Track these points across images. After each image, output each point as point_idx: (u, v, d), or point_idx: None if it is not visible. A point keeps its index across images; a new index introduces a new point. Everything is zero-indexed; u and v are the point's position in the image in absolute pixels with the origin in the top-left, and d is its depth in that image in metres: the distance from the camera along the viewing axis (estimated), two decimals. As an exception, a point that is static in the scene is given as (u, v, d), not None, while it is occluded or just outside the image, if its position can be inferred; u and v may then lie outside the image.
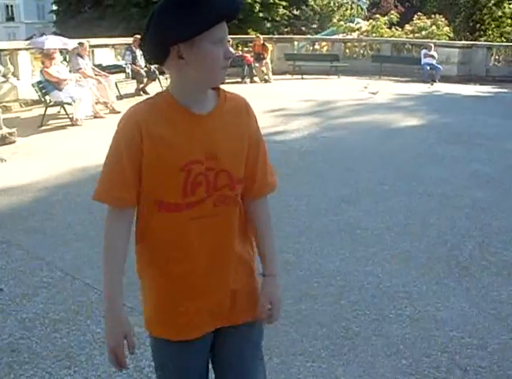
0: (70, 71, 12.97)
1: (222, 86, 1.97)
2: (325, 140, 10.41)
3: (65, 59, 15.37)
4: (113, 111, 12.70)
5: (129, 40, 17.06)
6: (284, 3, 42.56)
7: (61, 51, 14.33)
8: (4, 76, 13.89)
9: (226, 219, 1.96)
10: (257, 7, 41.47)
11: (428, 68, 20.64)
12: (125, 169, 1.86)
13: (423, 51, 21.21)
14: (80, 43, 13.56)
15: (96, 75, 13.38)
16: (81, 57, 13.29)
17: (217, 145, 1.91)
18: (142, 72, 15.40)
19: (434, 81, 20.04)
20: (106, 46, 17.57)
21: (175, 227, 1.90)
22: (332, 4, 47.49)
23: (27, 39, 19.60)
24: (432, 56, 20.77)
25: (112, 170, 1.89)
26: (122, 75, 15.41)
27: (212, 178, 1.90)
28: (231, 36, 20.74)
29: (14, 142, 9.96)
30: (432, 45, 21.43)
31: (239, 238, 2.02)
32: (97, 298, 4.33)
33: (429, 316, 4.18)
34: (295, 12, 44.29)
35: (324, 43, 26.52)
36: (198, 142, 1.88)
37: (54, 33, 49.97)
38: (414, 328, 4.00)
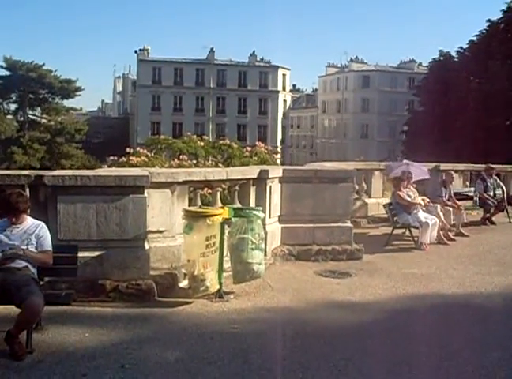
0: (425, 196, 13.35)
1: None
2: None
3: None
4: (459, 234, 12.85)
5: (478, 167, 17.03)
6: None
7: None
8: (357, 193, 14.89)
9: None
10: None
11: None
12: None
13: None
14: (447, 174, 14.11)
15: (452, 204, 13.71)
16: (445, 187, 13.83)
17: None
18: (490, 201, 15.13)
19: None
20: (454, 171, 17.69)
21: None
22: None
23: (381, 161, 20.91)
24: None
25: None
26: (470, 202, 15.34)
27: None
28: None
29: (360, 258, 10.48)
30: None
31: None
32: None
33: None
34: None
35: None
36: None
37: (402, 152, 52.50)
38: None
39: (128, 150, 19.29)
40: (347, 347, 6.17)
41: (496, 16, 48.51)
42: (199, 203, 9.29)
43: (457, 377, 5.54)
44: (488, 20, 48.84)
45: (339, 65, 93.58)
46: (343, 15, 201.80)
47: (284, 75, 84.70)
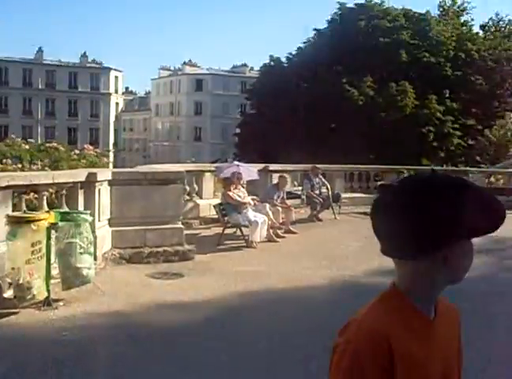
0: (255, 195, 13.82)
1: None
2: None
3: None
4: (289, 232, 13.50)
5: (305, 167, 17.94)
6: (458, 133, 42.68)
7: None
8: (189, 194, 15.00)
9: None
10: (431, 136, 42.03)
11: None
12: None
13: None
14: (282, 177, 14.73)
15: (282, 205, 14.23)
16: (277, 189, 14.34)
17: (451, 361, 1.64)
18: (317, 199, 15.95)
19: None
20: (283, 171, 18.44)
21: None
22: (509, 135, 46.03)
23: (212, 162, 21.28)
24: None
25: None
26: (298, 200, 16.10)
27: None
28: (405, 167, 20.96)
29: (192, 258, 10.58)
30: None
31: None
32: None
33: None
34: (470, 142, 43.89)
35: (500, 176, 25.11)
36: (437, 357, 1.57)
37: (235, 154, 53.63)
38: None
39: None
40: (181, 346, 6.24)
41: (322, 25, 51.80)
42: (24, 208, 8.88)
43: (283, 366, 5.81)
44: (315, 29, 51.82)
45: (172, 68, 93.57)
46: (160, 16, 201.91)
47: (116, 77, 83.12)
